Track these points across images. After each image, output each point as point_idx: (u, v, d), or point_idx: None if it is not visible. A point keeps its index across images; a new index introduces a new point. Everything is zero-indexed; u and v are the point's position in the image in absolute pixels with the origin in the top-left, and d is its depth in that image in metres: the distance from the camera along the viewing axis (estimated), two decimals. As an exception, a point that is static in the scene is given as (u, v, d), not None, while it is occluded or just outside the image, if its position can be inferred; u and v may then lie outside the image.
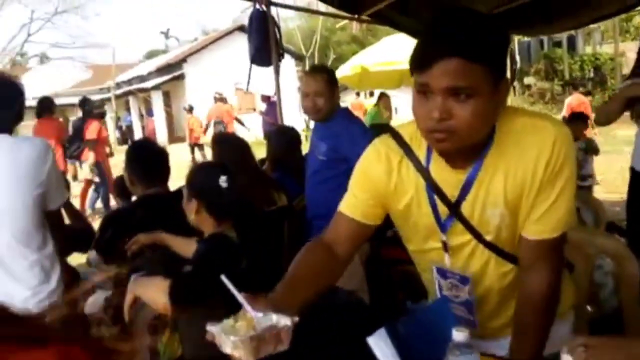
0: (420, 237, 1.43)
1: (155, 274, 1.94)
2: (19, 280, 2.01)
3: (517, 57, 19.97)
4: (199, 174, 2.08)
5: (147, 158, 2.64)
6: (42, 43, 60.78)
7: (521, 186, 1.26)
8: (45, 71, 13.84)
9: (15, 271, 2.01)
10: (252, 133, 14.19)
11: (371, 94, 14.81)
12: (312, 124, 3.32)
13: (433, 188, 1.33)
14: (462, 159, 1.28)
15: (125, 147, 9.10)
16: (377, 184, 1.39)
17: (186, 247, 2.21)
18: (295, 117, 19.64)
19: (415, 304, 3.35)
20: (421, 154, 1.35)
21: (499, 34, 1.19)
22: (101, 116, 9.00)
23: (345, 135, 2.81)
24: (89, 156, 8.27)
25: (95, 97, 25.74)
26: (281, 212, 3.03)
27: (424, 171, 1.34)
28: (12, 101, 2.15)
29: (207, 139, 13.56)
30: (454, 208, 1.32)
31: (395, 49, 8.33)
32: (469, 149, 1.25)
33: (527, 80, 20.39)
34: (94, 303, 2.88)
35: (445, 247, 1.37)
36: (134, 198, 4.45)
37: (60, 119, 9.06)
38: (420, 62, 1.18)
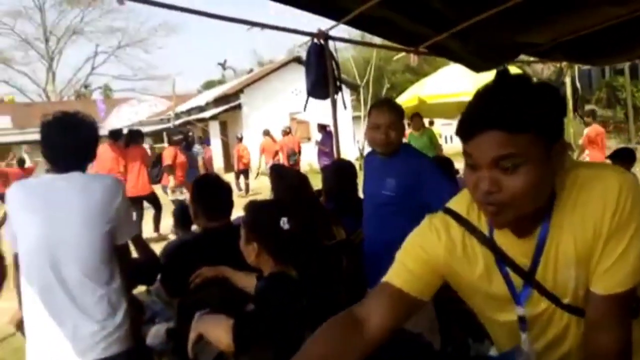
0: (493, 310, 1.36)
1: (214, 308, 1.97)
2: (87, 315, 2.05)
3: (578, 85, 19.51)
4: (258, 215, 2.06)
5: (212, 192, 2.68)
6: (105, 75, 63.91)
7: (591, 241, 1.19)
8: (133, 104, 14.89)
9: (84, 305, 2.05)
10: (306, 162, 14.40)
11: (431, 123, 14.76)
12: (366, 152, 3.29)
13: (504, 260, 1.27)
14: (525, 225, 1.23)
15: None
16: (437, 260, 1.33)
17: (247, 282, 2.21)
18: (349, 146, 19.74)
19: (476, 343, 3.25)
20: (482, 225, 1.30)
21: (547, 102, 1.15)
22: (177, 143, 9.50)
23: (419, 172, 2.78)
24: (170, 180, 8.82)
25: (155, 128, 26.70)
26: (340, 246, 3.01)
27: (490, 244, 1.28)
28: (82, 141, 2.22)
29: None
30: (529, 277, 1.25)
31: (451, 80, 8.27)
32: (529, 217, 1.20)
33: (588, 108, 19.84)
34: (155, 334, 2.93)
35: (523, 320, 1.30)
36: (193, 227, 4.57)
37: (146, 146, 9.93)
38: (463, 133, 1.17)
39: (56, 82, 43.15)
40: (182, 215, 4.67)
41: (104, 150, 8.73)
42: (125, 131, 9.68)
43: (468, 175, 1.19)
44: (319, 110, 5.24)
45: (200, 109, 26.31)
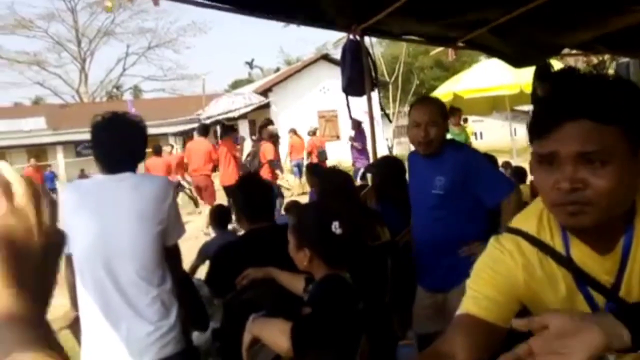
0: None
1: (270, 310, 1.93)
2: (142, 316, 2.05)
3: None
4: (308, 220, 1.98)
5: (253, 194, 2.65)
6: (135, 76, 64.90)
7: None
8: (230, 96, 15.82)
9: (138, 307, 2.05)
10: (335, 160, 14.47)
11: (465, 120, 14.60)
12: (395, 150, 3.22)
13: (585, 280, 1.18)
14: (606, 239, 1.14)
15: (213, 175, 9.79)
16: (516, 284, 1.23)
17: (295, 283, 2.17)
18: (378, 143, 19.71)
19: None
20: (557, 244, 1.20)
21: (633, 93, 1.07)
22: (272, 137, 9.86)
23: (467, 166, 2.71)
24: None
25: (185, 127, 26.91)
26: (385, 247, 2.96)
27: (569, 264, 1.19)
28: (136, 142, 2.22)
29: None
30: (613, 295, 1.16)
31: (486, 76, 8.16)
32: (610, 227, 1.11)
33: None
34: (200, 334, 2.91)
35: None
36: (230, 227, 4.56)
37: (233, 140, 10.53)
38: (542, 126, 1.07)
39: (88, 83, 43.93)
40: (219, 216, 4.67)
41: (196, 145, 9.43)
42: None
43: (543, 177, 1.10)
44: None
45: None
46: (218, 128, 12.39)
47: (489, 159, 4.01)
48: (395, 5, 3.86)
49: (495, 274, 1.24)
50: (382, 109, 4.96)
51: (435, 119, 2.72)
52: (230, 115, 12.23)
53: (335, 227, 1.88)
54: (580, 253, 1.17)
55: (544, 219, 1.22)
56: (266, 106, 23.59)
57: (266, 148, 9.64)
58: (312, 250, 1.91)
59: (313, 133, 14.64)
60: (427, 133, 2.70)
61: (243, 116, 23.77)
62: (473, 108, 9.38)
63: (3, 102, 47.51)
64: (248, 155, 9.92)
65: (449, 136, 7.48)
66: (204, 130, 9.90)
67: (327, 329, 1.73)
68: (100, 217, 2.04)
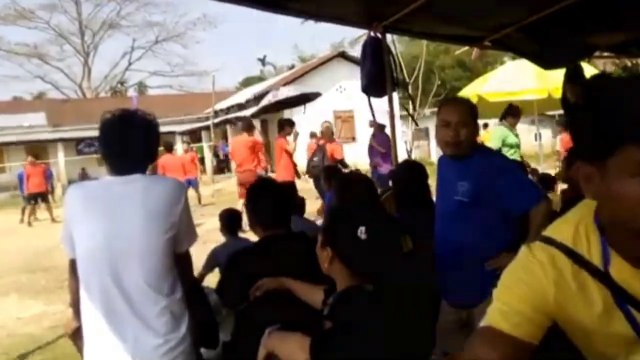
0: (614, 351, 1.17)
1: (285, 324, 1.83)
2: (150, 327, 1.96)
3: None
4: (335, 220, 1.91)
5: (267, 199, 2.51)
6: (141, 71, 64.12)
7: None
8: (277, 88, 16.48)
9: (145, 316, 1.96)
10: (350, 162, 14.39)
11: (485, 126, 14.33)
12: (414, 153, 3.06)
13: (624, 297, 1.10)
14: None
15: (222, 176, 10.04)
16: (546, 299, 1.15)
17: (313, 295, 2.07)
18: (398, 144, 19.57)
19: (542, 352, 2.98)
20: (595, 257, 1.13)
21: None
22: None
23: (495, 174, 2.56)
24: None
25: (194, 126, 26.46)
26: (407, 257, 2.79)
27: (606, 279, 1.11)
28: (148, 143, 2.13)
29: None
30: None
31: (513, 79, 7.96)
32: None
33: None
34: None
35: None
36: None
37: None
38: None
39: (92, 78, 43.30)
40: (228, 220, 4.48)
41: (239, 141, 9.57)
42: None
43: (634, 189, 0.97)
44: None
45: (240, 106, 26.11)
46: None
47: (517, 165, 3.84)
48: (418, 3, 3.71)
49: (525, 286, 1.17)
50: (414, 107, 4.80)
51: (465, 119, 2.60)
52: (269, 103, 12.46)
53: (361, 232, 1.78)
54: (621, 268, 1.10)
55: (581, 229, 1.15)
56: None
57: (335, 148, 9.92)
58: (334, 251, 1.83)
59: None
60: (456, 133, 2.59)
61: (255, 115, 23.64)
62: (498, 112, 9.07)
63: (2, 96, 47.26)
64: (314, 155, 9.88)
65: (510, 137, 7.17)
66: (248, 125, 9.83)
67: (349, 344, 1.62)
68: (107, 220, 1.94)
